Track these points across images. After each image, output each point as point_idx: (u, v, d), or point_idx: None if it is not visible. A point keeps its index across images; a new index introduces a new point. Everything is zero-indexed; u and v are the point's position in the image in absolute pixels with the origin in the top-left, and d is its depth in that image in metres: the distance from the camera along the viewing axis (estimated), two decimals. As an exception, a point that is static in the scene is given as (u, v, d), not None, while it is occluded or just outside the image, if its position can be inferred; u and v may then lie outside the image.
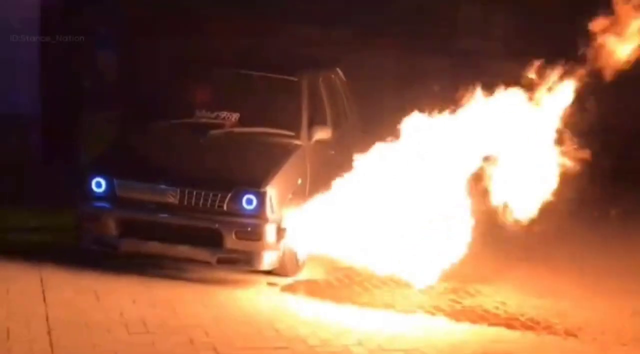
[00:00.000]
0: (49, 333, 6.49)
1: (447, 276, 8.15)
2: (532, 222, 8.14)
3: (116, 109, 9.49)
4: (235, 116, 8.75)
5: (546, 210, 8.11)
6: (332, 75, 10.01)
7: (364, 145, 8.37)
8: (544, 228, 8.58)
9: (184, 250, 7.81)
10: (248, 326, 6.95)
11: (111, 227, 7.90)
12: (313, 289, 7.97)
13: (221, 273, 8.03)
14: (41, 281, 7.60)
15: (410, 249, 7.85)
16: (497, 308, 7.84)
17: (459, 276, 8.27)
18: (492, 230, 8.27)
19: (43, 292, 7.36)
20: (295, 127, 8.63)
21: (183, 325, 6.83)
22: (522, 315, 7.66)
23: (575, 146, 7.99)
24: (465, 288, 8.25)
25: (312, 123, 8.73)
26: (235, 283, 7.95)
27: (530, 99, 8.01)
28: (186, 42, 12.79)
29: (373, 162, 8.10)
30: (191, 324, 6.86)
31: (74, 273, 7.82)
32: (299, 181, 8.27)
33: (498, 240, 8.65)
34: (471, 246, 8.07)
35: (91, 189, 8.01)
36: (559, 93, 7.97)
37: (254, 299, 7.67)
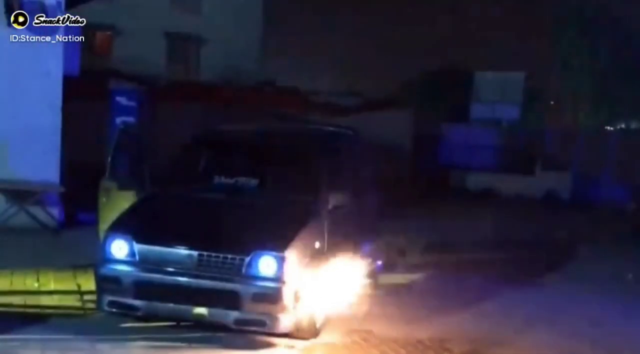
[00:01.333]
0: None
1: (463, 339, 8.11)
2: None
3: (136, 176, 9.63)
4: (253, 182, 8.89)
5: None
6: (350, 142, 10.15)
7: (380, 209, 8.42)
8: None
9: (202, 313, 7.84)
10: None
11: (130, 290, 7.94)
12: (330, 351, 7.96)
13: (239, 336, 8.04)
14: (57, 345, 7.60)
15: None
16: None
17: (475, 339, 8.24)
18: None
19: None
20: (313, 192, 8.69)
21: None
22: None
23: None
24: (482, 352, 8.12)
25: (330, 189, 8.80)
26: (253, 345, 7.96)
27: None
28: (205, 110, 12.99)
29: None
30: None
31: (92, 336, 7.81)
32: (317, 245, 8.33)
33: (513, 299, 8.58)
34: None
35: (110, 252, 8.07)
36: None
37: (272, 361, 7.68)
